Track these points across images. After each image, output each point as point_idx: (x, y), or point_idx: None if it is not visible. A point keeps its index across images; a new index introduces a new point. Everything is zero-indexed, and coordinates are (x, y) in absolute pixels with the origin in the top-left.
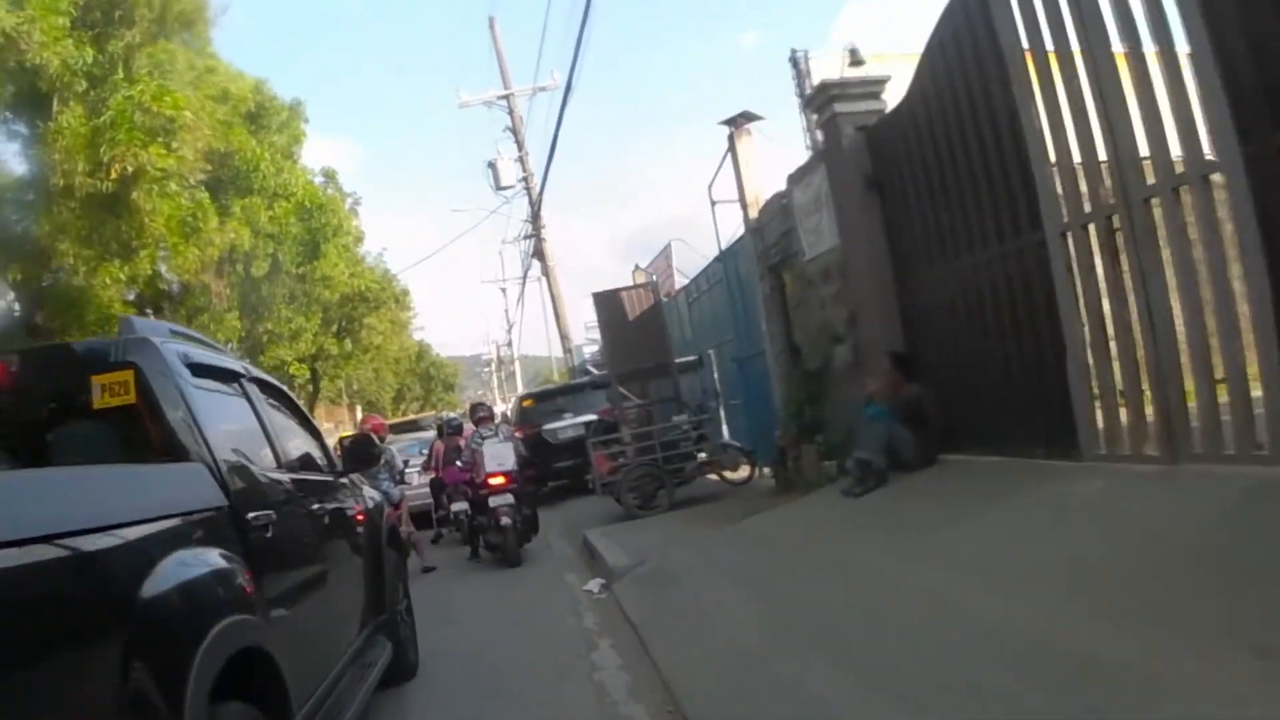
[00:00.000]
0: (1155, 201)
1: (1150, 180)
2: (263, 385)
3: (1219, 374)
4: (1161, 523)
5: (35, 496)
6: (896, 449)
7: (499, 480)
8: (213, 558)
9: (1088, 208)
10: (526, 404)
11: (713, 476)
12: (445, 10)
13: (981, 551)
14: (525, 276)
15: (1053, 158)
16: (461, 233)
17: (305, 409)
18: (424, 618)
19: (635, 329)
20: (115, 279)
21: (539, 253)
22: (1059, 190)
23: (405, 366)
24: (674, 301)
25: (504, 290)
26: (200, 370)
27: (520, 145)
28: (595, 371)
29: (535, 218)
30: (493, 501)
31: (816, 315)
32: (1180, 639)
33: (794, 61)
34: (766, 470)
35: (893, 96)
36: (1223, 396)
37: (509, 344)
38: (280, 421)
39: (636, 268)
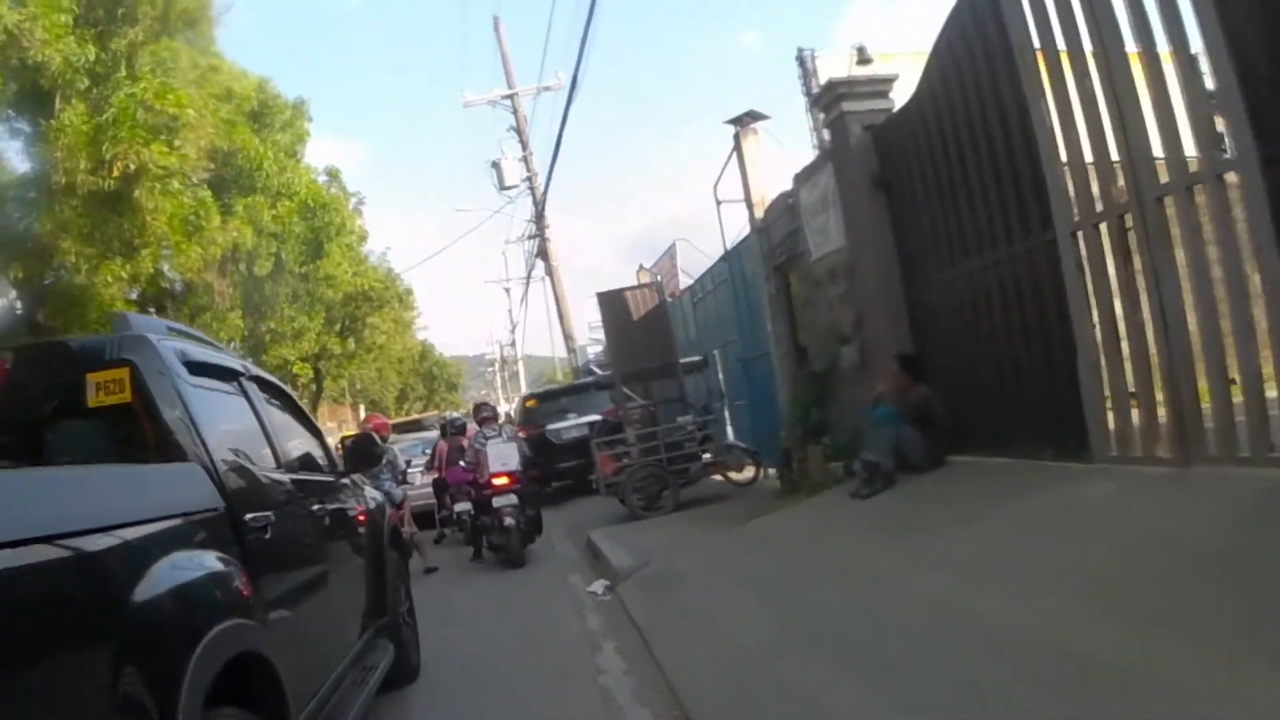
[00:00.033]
0: (1169, 200)
1: (1164, 179)
2: (262, 384)
3: (1233, 375)
4: (1173, 525)
5: (24, 496)
6: (904, 451)
7: (503, 480)
8: (209, 560)
9: (1100, 207)
10: (530, 404)
11: (717, 478)
12: (450, 10)
13: (991, 554)
14: (529, 276)
15: (1064, 156)
16: (465, 232)
17: (306, 408)
18: (426, 619)
19: (640, 329)
20: (117, 277)
21: (543, 252)
22: (1070, 189)
23: (408, 366)
24: (679, 302)
25: (508, 290)
26: (198, 368)
27: (524, 145)
28: (599, 372)
29: (539, 217)
30: (496, 502)
31: (823, 316)
32: (1191, 642)
33: (801, 60)
34: (771, 471)
35: (900, 96)
36: (1237, 398)
37: (512, 344)
38: (280, 421)
39: (641, 267)
